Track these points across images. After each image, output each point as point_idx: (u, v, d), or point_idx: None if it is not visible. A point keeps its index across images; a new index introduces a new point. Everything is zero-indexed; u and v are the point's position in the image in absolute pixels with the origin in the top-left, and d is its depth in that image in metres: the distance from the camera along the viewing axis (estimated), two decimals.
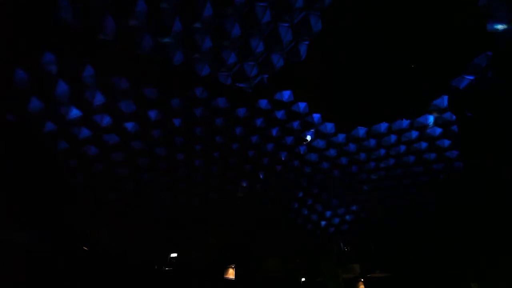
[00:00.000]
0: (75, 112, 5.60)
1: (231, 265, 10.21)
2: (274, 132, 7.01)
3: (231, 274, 10.10)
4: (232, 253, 10.45)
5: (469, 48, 5.13)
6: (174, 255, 9.88)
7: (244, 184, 8.23)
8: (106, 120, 5.94)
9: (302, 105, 6.50)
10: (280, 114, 6.60)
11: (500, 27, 4.52)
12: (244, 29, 4.84)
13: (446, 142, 7.13)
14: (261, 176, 8.11)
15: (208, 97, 5.96)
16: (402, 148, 7.46)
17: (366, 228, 10.43)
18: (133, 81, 5.42)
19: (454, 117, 6.44)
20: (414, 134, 7.09)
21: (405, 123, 6.90)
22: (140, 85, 5.51)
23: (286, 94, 6.25)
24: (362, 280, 10.54)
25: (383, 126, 7.08)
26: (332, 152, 7.69)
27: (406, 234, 10.30)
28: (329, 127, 7.04)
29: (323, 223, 10.02)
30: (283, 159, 7.69)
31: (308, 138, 7.15)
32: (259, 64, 5.42)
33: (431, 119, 6.64)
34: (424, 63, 5.45)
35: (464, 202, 8.63)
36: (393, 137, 7.26)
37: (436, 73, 5.64)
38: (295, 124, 6.87)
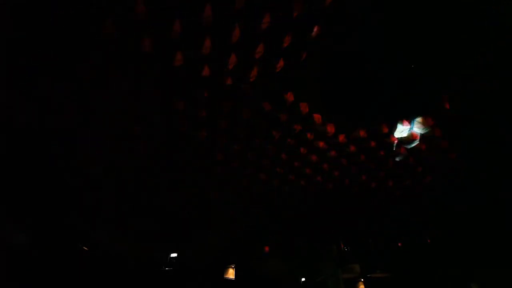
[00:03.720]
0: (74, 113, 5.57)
1: (231, 265, 10.20)
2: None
3: (231, 274, 10.09)
4: (232, 253, 10.44)
5: (468, 48, 5.13)
6: (174, 255, 9.86)
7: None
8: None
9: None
10: None
11: None
12: None
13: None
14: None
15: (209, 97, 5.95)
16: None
17: (367, 228, 10.42)
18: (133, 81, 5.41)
19: None
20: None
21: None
22: (141, 85, 5.49)
23: None
24: (362, 280, 10.53)
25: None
26: None
27: (406, 234, 10.29)
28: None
29: None
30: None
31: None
32: None
33: None
34: (424, 63, 5.45)
35: (464, 203, 8.63)
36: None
37: (436, 73, 5.63)
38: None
